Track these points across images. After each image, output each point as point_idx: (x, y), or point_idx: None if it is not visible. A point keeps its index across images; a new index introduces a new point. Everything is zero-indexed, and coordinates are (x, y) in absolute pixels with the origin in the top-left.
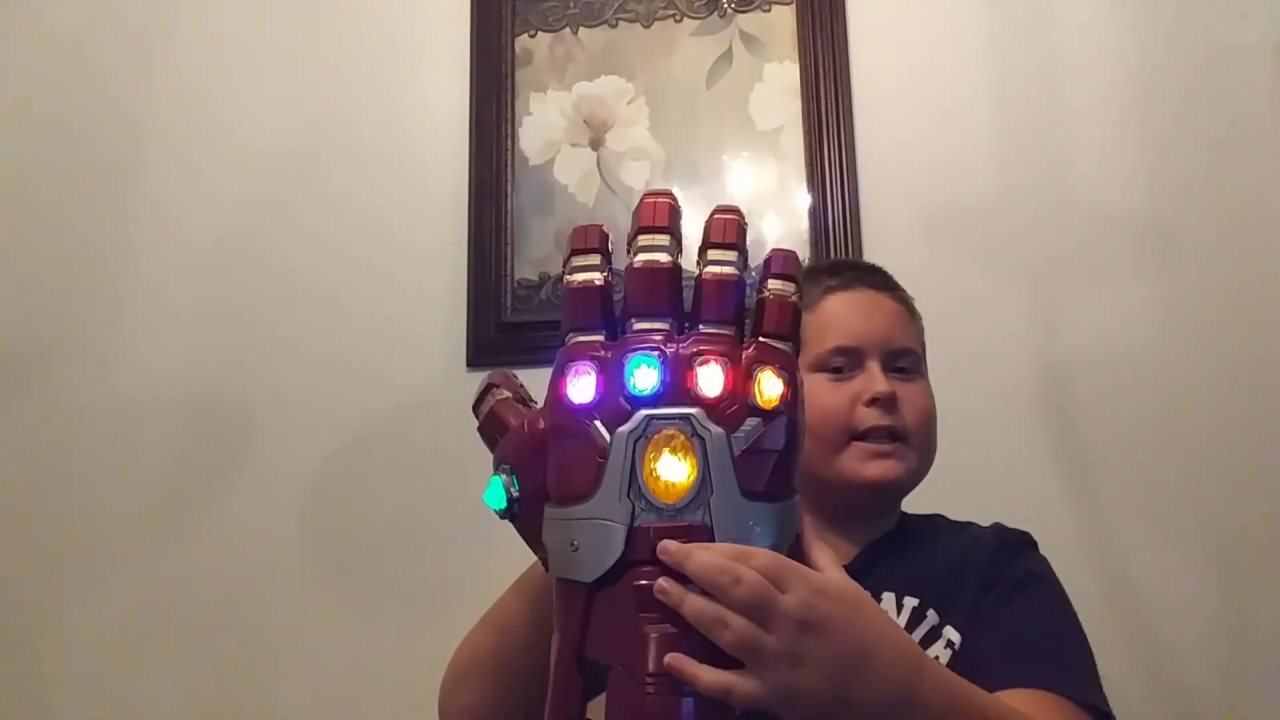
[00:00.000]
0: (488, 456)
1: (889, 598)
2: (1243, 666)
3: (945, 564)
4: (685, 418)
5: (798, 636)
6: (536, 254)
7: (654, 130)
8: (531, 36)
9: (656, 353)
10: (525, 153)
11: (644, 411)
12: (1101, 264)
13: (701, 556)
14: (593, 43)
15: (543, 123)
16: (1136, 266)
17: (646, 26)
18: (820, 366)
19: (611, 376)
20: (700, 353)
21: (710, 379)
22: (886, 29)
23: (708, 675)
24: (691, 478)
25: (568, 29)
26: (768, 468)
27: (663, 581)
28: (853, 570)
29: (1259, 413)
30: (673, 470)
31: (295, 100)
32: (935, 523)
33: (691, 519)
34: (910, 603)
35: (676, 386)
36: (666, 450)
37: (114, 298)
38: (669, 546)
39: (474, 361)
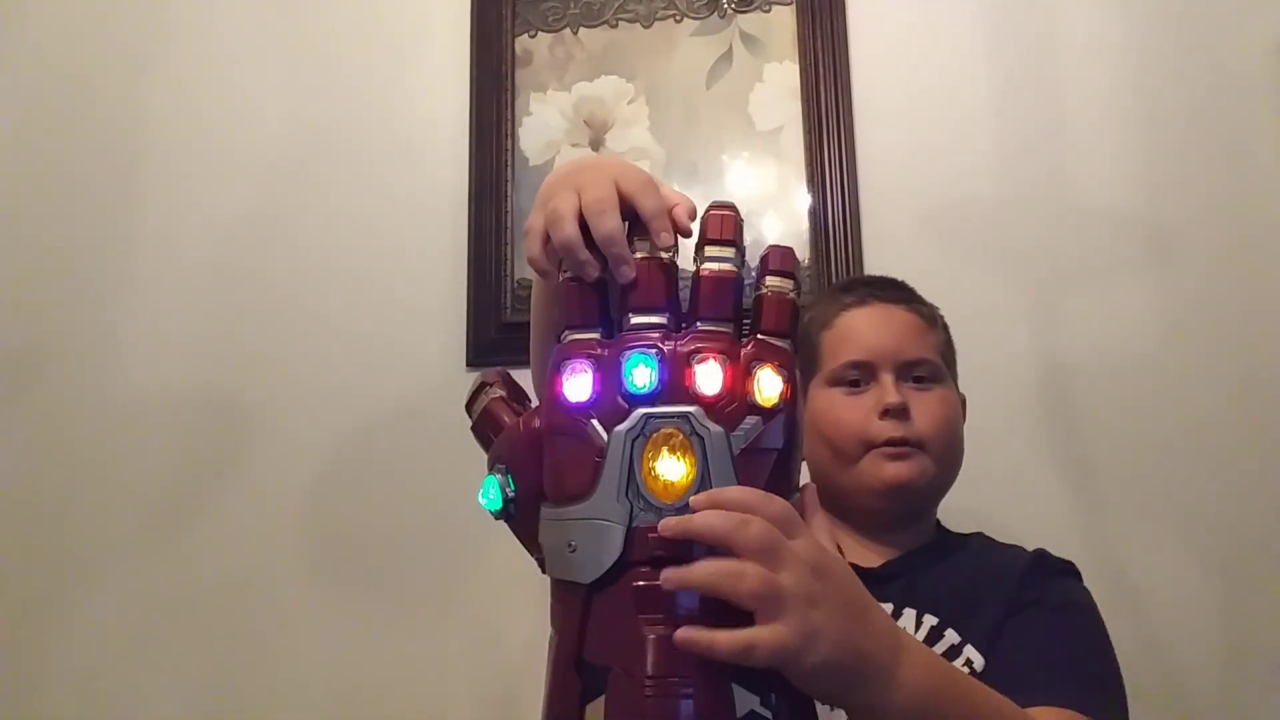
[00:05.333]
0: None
1: (909, 614)
2: (1243, 667)
3: (971, 582)
4: (684, 416)
5: (811, 579)
6: None
7: (654, 130)
8: (531, 37)
9: (654, 350)
10: (525, 153)
11: (642, 410)
12: (1103, 264)
13: (704, 516)
14: (593, 43)
15: (543, 123)
16: (1137, 267)
17: (646, 27)
18: (836, 381)
19: (608, 374)
20: (698, 350)
21: (709, 377)
22: (887, 29)
23: (725, 637)
24: (690, 477)
25: (568, 29)
26: (767, 466)
27: (667, 573)
28: (877, 575)
29: (1261, 414)
30: (671, 469)
31: (294, 100)
32: (975, 541)
33: None
34: (929, 621)
35: (674, 385)
36: (665, 449)
37: (112, 298)
38: (669, 523)
39: (474, 361)
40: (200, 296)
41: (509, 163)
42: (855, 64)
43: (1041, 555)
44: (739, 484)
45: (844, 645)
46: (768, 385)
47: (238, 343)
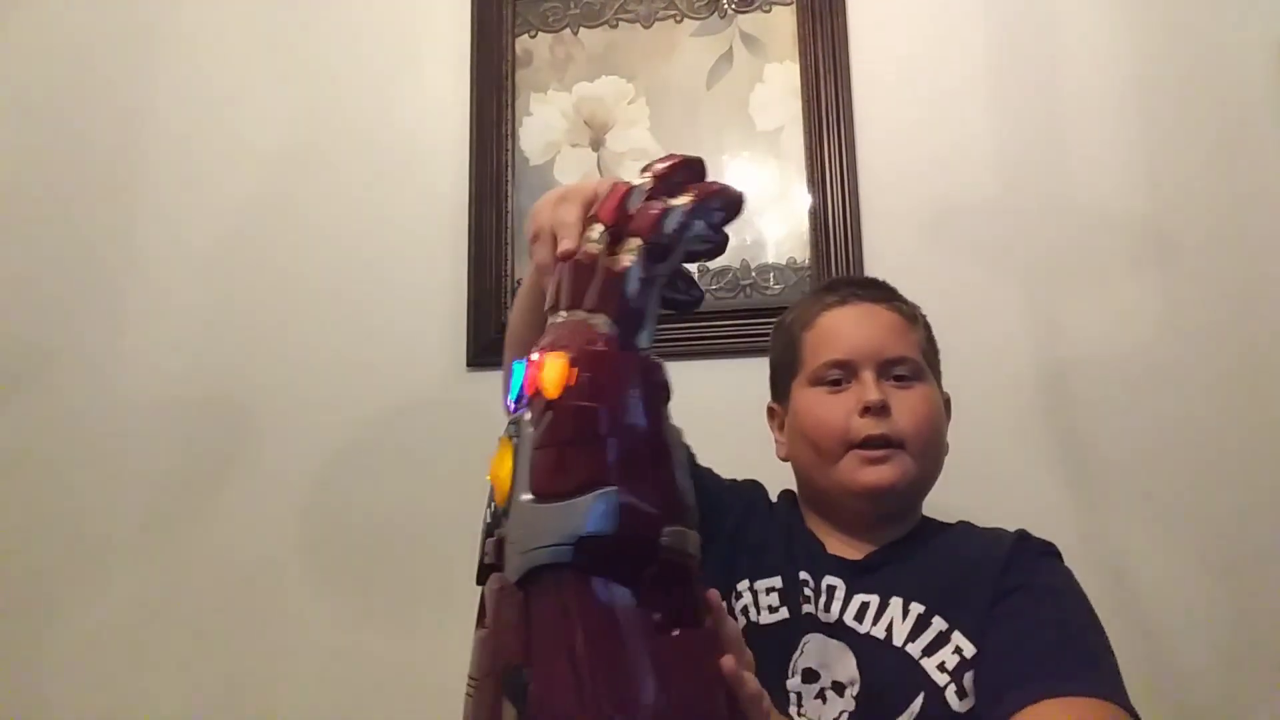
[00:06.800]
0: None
1: (897, 602)
2: (1243, 666)
3: (956, 569)
4: (515, 420)
5: None
6: None
7: (654, 130)
8: (532, 37)
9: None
10: (525, 153)
11: (511, 417)
12: (1101, 262)
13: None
14: (593, 43)
15: (543, 123)
16: (1136, 265)
17: (647, 27)
18: (818, 380)
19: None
20: (540, 347)
21: (535, 375)
22: (886, 29)
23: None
24: (510, 482)
25: (568, 29)
26: (552, 463)
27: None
28: (861, 566)
29: (1258, 411)
30: (500, 474)
31: (296, 101)
32: (956, 528)
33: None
34: (916, 609)
35: (527, 388)
36: (499, 455)
37: (115, 299)
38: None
39: (474, 361)
40: (202, 298)
41: (509, 163)
42: (855, 64)
43: (1023, 537)
44: (530, 485)
45: None
46: (549, 373)
47: (239, 344)
